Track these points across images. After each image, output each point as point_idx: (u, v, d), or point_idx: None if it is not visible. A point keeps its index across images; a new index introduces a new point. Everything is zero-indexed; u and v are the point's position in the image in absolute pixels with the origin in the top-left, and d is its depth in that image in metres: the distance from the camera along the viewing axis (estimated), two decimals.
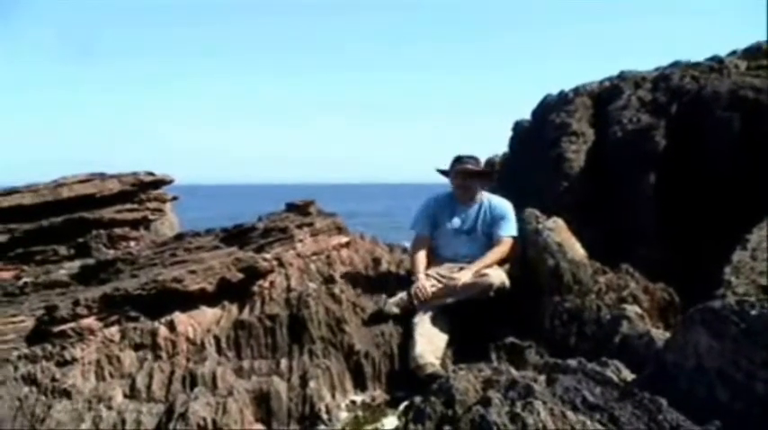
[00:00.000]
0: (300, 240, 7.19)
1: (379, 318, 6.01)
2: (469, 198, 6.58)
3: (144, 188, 13.94)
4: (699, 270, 8.11)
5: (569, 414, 3.37)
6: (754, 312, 3.42)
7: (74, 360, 5.36)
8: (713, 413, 3.23)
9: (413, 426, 3.88)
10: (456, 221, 6.60)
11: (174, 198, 15.20)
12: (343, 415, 5.08)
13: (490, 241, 6.48)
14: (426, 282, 6.13)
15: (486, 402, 3.64)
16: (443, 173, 6.74)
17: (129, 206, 13.47)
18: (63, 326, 5.70)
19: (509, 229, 6.47)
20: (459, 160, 6.60)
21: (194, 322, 5.88)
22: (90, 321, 5.75)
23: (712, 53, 16.72)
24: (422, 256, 6.53)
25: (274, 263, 6.63)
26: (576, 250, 6.12)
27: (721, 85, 13.71)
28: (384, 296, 6.27)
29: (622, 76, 17.55)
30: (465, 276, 6.10)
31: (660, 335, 4.93)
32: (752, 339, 3.32)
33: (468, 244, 6.54)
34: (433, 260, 6.59)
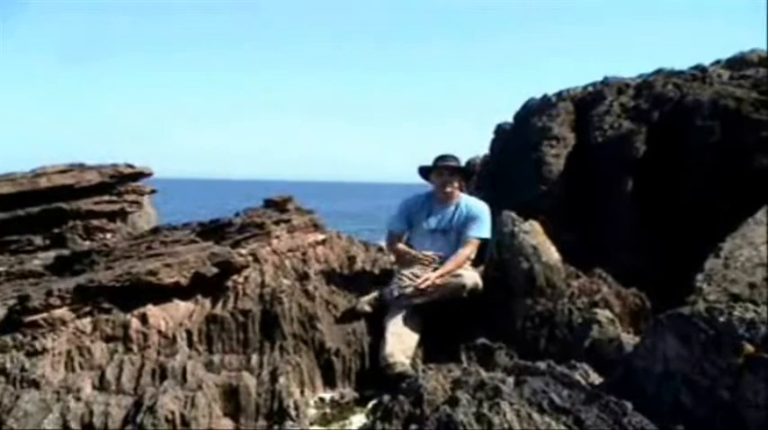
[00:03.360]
0: (277, 236, 7.18)
1: (351, 315, 6.00)
2: (448, 197, 6.59)
3: (123, 180, 13.89)
4: (673, 276, 8.16)
5: (535, 415, 3.39)
6: (722, 319, 3.45)
7: (44, 350, 5.32)
8: (677, 418, 3.25)
9: (380, 425, 3.89)
10: (432, 221, 6.60)
11: (153, 191, 15.16)
12: (312, 412, 5.09)
13: (461, 241, 6.49)
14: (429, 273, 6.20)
15: (453, 402, 3.66)
16: (425, 171, 6.75)
17: (107, 198, 13.42)
18: (35, 317, 5.65)
19: (478, 231, 6.46)
20: (441, 158, 6.63)
21: (167, 315, 5.85)
22: (62, 312, 5.71)
23: (697, 61, 16.84)
24: (401, 245, 6.62)
25: (249, 258, 6.63)
26: (551, 254, 6.13)
27: (703, 93, 13.79)
28: (357, 294, 6.27)
29: (606, 82, 17.64)
30: (430, 279, 6.10)
31: (630, 339, 4.97)
32: (719, 346, 3.34)
33: (442, 244, 6.52)
34: (406, 259, 6.60)
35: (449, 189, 6.55)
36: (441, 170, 6.59)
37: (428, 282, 6.06)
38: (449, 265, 6.24)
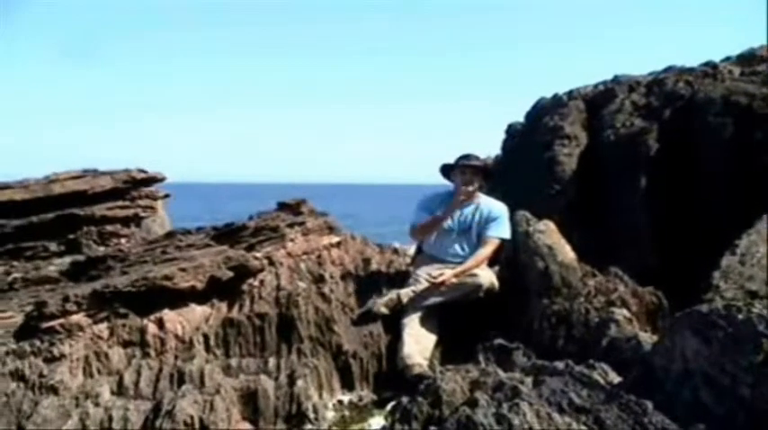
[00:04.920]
0: (291, 239, 7.20)
1: (367, 318, 6.01)
2: (469, 197, 6.58)
3: (136, 185, 13.93)
4: (689, 274, 8.12)
5: (555, 415, 3.37)
6: (741, 316, 3.42)
7: (62, 356, 5.34)
8: (698, 417, 3.24)
9: (399, 427, 3.88)
10: (452, 220, 6.60)
11: (166, 196, 15.18)
12: (330, 414, 5.10)
13: (480, 241, 6.48)
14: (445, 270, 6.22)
15: (472, 403, 3.65)
16: (447, 170, 6.74)
17: (120, 203, 13.46)
18: (52, 323, 5.68)
19: (498, 231, 6.46)
20: (464, 157, 6.62)
21: (183, 320, 5.87)
22: (79, 317, 5.73)
23: (707, 59, 16.72)
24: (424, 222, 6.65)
25: (265, 261, 6.64)
26: (566, 253, 6.12)
27: (714, 90, 13.72)
28: (373, 296, 6.27)
29: (616, 80, 17.56)
30: (447, 275, 6.12)
31: (648, 338, 4.94)
32: (738, 344, 3.33)
33: (460, 244, 6.53)
34: (424, 259, 6.60)
35: (471, 188, 6.54)
36: (463, 169, 6.57)
37: (444, 277, 6.07)
38: (468, 264, 6.26)
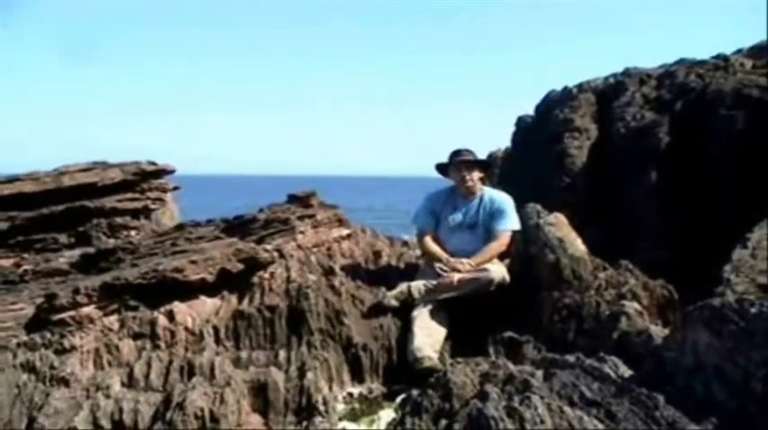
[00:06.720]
0: (301, 232, 7.21)
1: (378, 310, 6.00)
2: (470, 191, 6.59)
3: (145, 177, 13.94)
4: (700, 267, 8.10)
5: (566, 409, 3.36)
6: (753, 310, 3.41)
7: (72, 348, 5.35)
8: (710, 411, 3.22)
9: (409, 420, 3.87)
10: (457, 216, 6.60)
11: (176, 188, 15.18)
12: (340, 407, 5.09)
13: (490, 235, 6.47)
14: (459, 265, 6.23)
15: (483, 396, 3.64)
16: (441, 168, 6.76)
17: (130, 195, 13.48)
18: (62, 315, 5.70)
19: (507, 223, 6.46)
20: (456, 153, 6.62)
21: (194, 312, 5.88)
22: (89, 310, 5.75)
23: (718, 52, 16.65)
24: (433, 244, 6.58)
25: (275, 254, 6.64)
26: (577, 246, 6.11)
27: (726, 83, 13.69)
28: (384, 289, 6.27)
29: (627, 73, 17.51)
30: (463, 268, 6.12)
31: (658, 332, 4.92)
32: (751, 337, 3.31)
33: (469, 238, 6.52)
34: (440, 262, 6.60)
35: (469, 183, 6.54)
36: (458, 165, 6.58)
37: (459, 267, 6.11)
38: (479, 258, 6.24)
